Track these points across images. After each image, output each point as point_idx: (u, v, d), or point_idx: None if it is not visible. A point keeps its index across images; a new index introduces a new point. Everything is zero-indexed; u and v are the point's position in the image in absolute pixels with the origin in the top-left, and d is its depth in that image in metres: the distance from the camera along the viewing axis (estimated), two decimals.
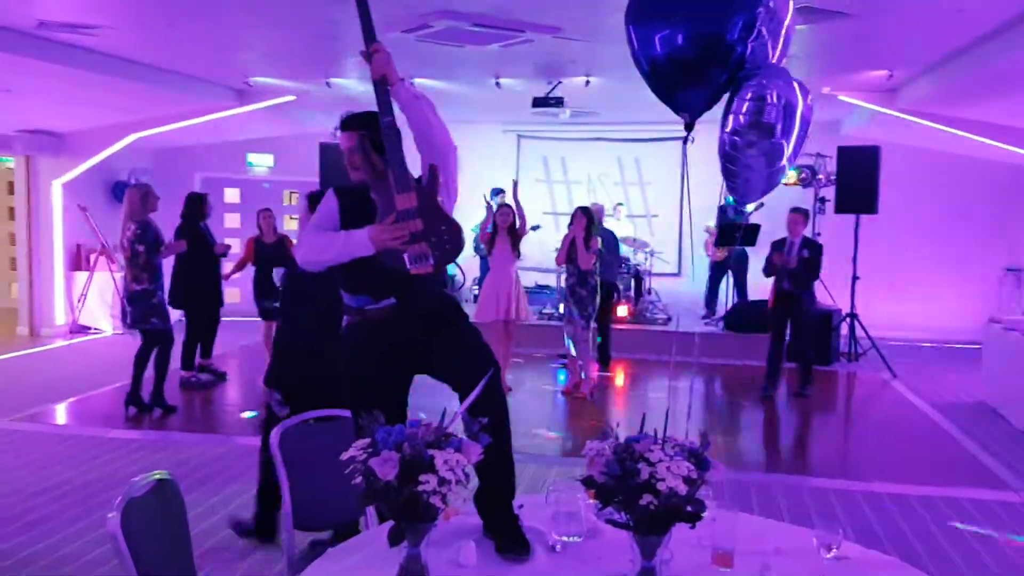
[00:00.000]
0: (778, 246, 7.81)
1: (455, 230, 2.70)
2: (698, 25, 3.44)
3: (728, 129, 3.63)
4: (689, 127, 3.77)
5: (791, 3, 3.61)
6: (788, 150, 3.52)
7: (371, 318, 2.87)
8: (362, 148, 2.83)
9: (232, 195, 12.97)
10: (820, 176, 10.44)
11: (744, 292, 10.79)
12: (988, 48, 6.57)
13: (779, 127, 3.49)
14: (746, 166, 3.57)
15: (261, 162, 12.99)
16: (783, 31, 3.56)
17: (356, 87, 9.22)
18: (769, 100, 3.47)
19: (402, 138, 2.69)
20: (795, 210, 7.89)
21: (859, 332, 9.89)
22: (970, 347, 10.72)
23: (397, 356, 2.85)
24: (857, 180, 9.43)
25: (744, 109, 3.51)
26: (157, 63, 8.21)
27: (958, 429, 6.99)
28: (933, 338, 11.37)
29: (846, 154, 9.57)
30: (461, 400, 2.56)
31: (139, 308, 6.78)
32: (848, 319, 9.87)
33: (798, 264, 7.69)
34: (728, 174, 3.66)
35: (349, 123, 2.91)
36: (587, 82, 8.52)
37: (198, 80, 9.18)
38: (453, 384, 2.75)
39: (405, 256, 2.67)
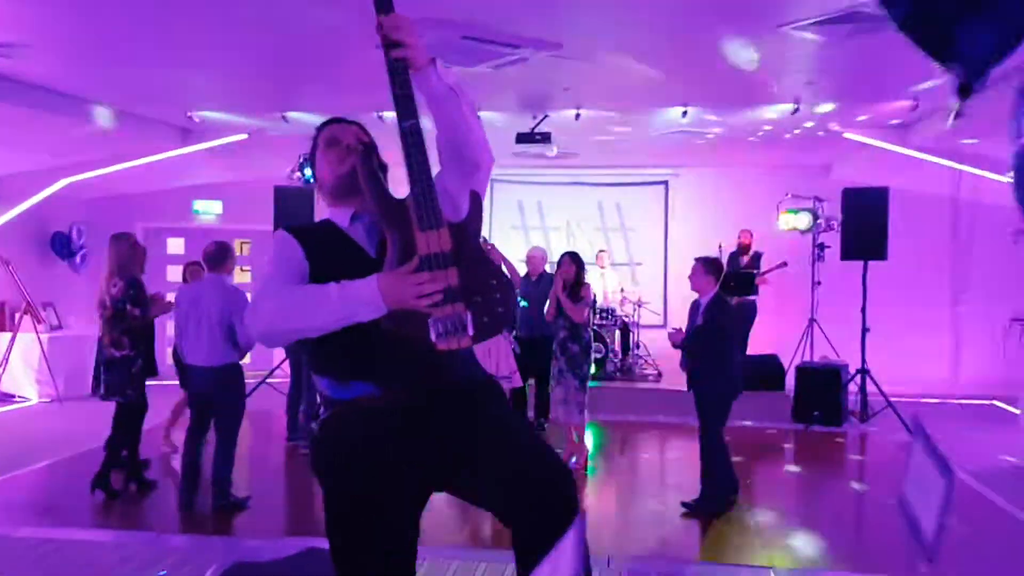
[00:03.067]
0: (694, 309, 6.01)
1: (506, 287, 1.76)
2: None
3: None
4: (964, 91, 2.41)
5: None
6: None
7: (366, 407, 1.86)
8: (366, 163, 1.87)
9: (176, 246, 12.05)
10: (820, 220, 9.73)
11: (743, 347, 9.92)
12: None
13: None
14: None
15: (209, 209, 12.09)
16: None
17: (318, 122, 8.30)
18: None
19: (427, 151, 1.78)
20: (700, 260, 5.93)
21: (870, 389, 9.05)
22: (986, 403, 10.01)
23: (407, 467, 1.86)
24: (864, 224, 8.73)
25: None
26: (87, 94, 7.22)
27: (1008, 502, 6.10)
28: (945, 393, 10.47)
29: (852, 196, 8.86)
30: (519, 542, 1.73)
31: (116, 377, 5.84)
32: (858, 375, 9.04)
33: (686, 338, 5.90)
34: None
35: (353, 122, 2.16)
36: (577, 115, 7.69)
37: (135, 117, 8.19)
38: (498, 510, 1.82)
39: (431, 323, 1.69)
